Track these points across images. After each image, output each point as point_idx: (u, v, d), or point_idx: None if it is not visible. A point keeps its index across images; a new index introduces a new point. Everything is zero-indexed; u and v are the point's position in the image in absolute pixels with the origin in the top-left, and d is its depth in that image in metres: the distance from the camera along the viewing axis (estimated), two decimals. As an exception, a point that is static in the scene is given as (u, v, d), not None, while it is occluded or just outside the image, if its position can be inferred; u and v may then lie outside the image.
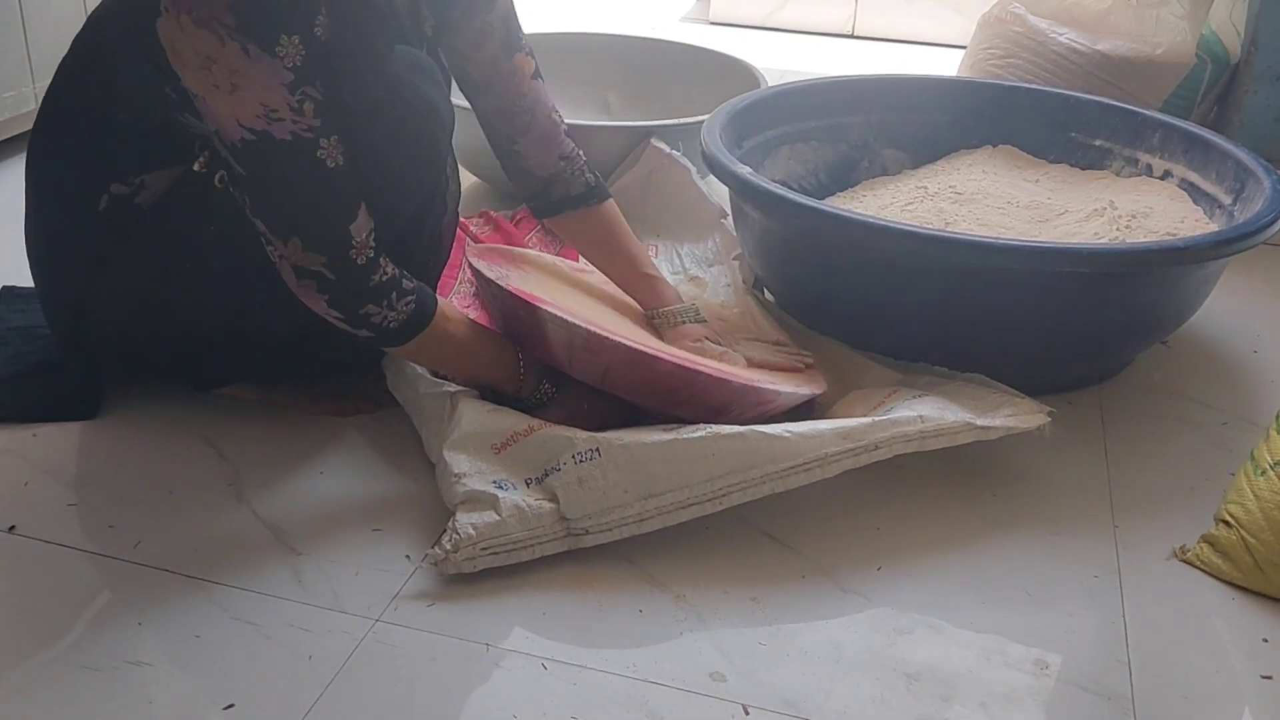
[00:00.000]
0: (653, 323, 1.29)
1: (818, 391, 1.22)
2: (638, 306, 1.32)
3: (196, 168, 1.07)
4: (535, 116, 1.25)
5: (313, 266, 1.02)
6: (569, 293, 1.26)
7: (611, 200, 1.31)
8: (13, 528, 1.07)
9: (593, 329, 1.09)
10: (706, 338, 1.26)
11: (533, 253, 1.40)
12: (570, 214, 1.29)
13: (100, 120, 1.09)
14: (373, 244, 1.04)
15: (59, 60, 1.13)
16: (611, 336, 1.09)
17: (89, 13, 1.13)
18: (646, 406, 1.15)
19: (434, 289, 1.25)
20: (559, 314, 1.09)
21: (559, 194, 1.28)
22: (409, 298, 1.07)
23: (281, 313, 1.08)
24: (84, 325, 1.18)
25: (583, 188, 1.28)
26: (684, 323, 1.27)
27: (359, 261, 1.03)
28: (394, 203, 1.11)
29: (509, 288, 1.13)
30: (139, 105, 1.06)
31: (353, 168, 1.02)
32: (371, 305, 1.05)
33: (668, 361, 1.09)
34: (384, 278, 1.05)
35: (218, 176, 1.05)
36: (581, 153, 1.29)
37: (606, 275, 1.34)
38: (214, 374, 1.24)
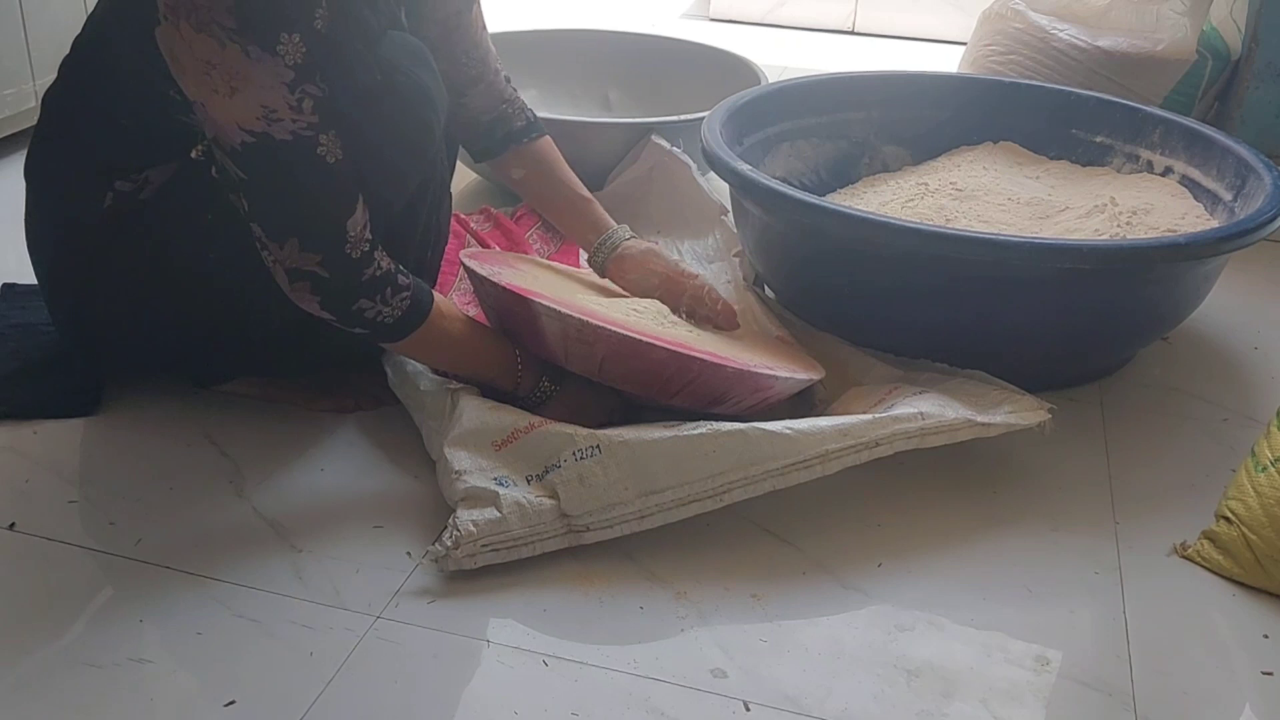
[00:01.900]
0: (596, 259, 1.33)
1: (816, 377, 1.22)
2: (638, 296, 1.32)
3: (194, 155, 1.07)
4: (486, 67, 1.30)
5: (307, 267, 1.02)
6: (564, 287, 1.26)
7: (549, 139, 1.36)
8: (13, 525, 1.07)
9: (586, 319, 1.09)
10: (651, 254, 1.31)
11: (526, 256, 1.40)
12: (513, 148, 1.33)
13: (104, 119, 1.09)
14: (368, 237, 1.04)
15: (59, 57, 1.13)
16: (606, 326, 1.09)
17: (89, 10, 1.13)
18: (644, 397, 1.15)
19: (433, 282, 1.25)
20: (553, 306, 1.09)
21: (501, 132, 1.33)
22: (404, 293, 1.07)
23: (279, 306, 1.08)
24: (86, 319, 1.18)
25: (524, 122, 1.34)
26: (621, 242, 1.31)
27: (354, 256, 1.03)
28: (387, 191, 1.10)
29: (502, 283, 1.13)
30: (141, 105, 1.06)
31: (349, 160, 1.02)
32: (365, 300, 1.05)
33: (662, 349, 1.09)
34: (378, 272, 1.05)
35: (214, 168, 1.05)
36: (521, 97, 1.35)
37: (546, 208, 1.39)
38: (215, 369, 1.24)
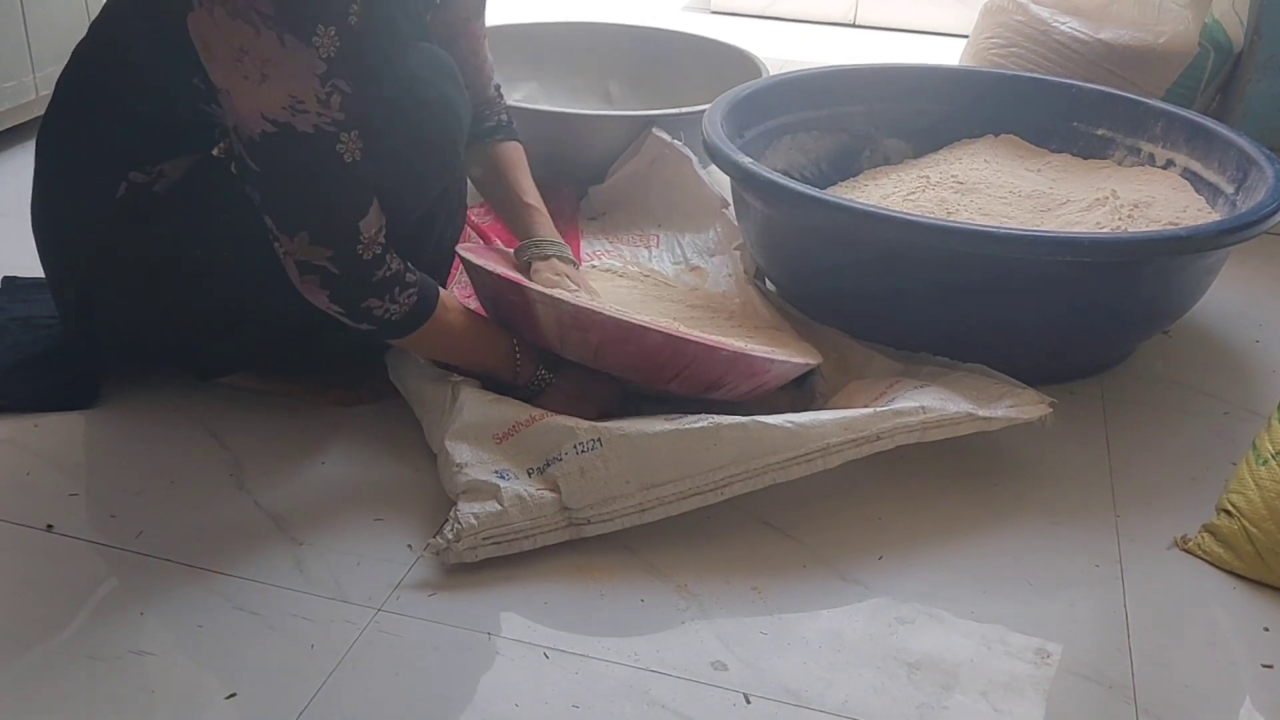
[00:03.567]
0: (520, 257, 1.28)
1: (813, 363, 1.22)
2: (632, 294, 1.32)
3: (216, 153, 1.07)
4: (480, 74, 1.32)
5: (317, 261, 1.02)
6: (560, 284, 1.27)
7: (519, 145, 1.36)
8: (14, 518, 1.07)
9: (581, 304, 1.09)
10: (568, 275, 1.25)
11: None
12: (474, 145, 1.33)
13: (120, 108, 1.09)
14: (381, 240, 1.04)
15: (59, 50, 1.13)
16: (600, 311, 1.09)
17: (89, 4, 1.12)
18: (641, 384, 1.15)
19: (443, 283, 1.26)
20: (547, 292, 1.10)
21: (470, 130, 1.31)
22: (411, 290, 1.07)
23: (287, 302, 1.08)
24: (91, 308, 1.17)
25: (493, 123, 1.34)
26: (551, 256, 1.27)
27: (365, 257, 1.03)
28: (408, 198, 1.11)
29: (497, 272, 1.14)
30: (161, 95, 1.06)
31: (369, 163, 1.02)
32: (374, 300, 1.05)
33: (657, 333, 1.09)
34: (388, 273, 1.05)
35: (234, 164, 1.05)
36: (504, 103, 1.36)
37: (498, 211, 1.37)
38: (217, 362, 1.24)
